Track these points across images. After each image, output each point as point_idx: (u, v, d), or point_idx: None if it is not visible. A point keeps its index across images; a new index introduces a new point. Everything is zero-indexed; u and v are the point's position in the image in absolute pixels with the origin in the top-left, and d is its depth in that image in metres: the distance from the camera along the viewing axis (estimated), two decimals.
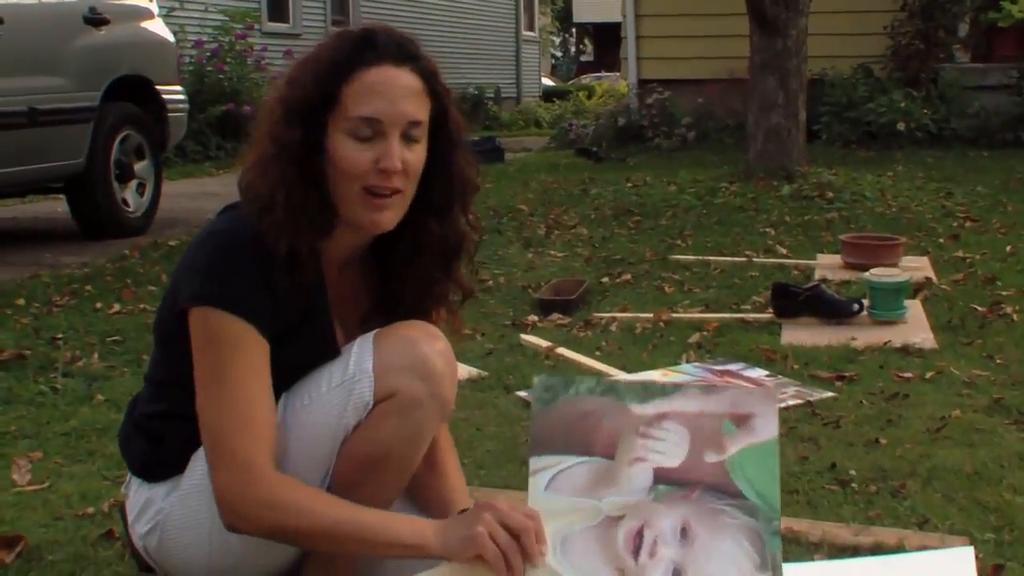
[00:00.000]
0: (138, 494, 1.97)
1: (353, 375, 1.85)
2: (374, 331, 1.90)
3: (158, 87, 7.26)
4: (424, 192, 1.89)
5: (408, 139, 1.84)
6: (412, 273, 1.96)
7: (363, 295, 1.99)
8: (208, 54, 12.29)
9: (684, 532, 1.71)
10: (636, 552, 1.71)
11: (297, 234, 1.80)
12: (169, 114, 7.39)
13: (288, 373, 1.88)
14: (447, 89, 1.91)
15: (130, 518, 1.99)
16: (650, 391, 1.76)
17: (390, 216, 1.85)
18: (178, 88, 7.70)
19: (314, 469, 1.84)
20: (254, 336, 1.78)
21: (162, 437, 1.93)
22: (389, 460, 1.86)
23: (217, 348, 1.77)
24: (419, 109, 1.85)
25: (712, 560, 1.71)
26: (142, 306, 4.77)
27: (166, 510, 1.91)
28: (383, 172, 1.81)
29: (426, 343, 1.87)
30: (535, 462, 1.74)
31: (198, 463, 1.87)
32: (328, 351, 1.90)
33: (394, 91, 1.82)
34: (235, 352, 1.77)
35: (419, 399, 1.84)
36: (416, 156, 1.85)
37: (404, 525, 1.75)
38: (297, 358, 1.87)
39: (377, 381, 1.84)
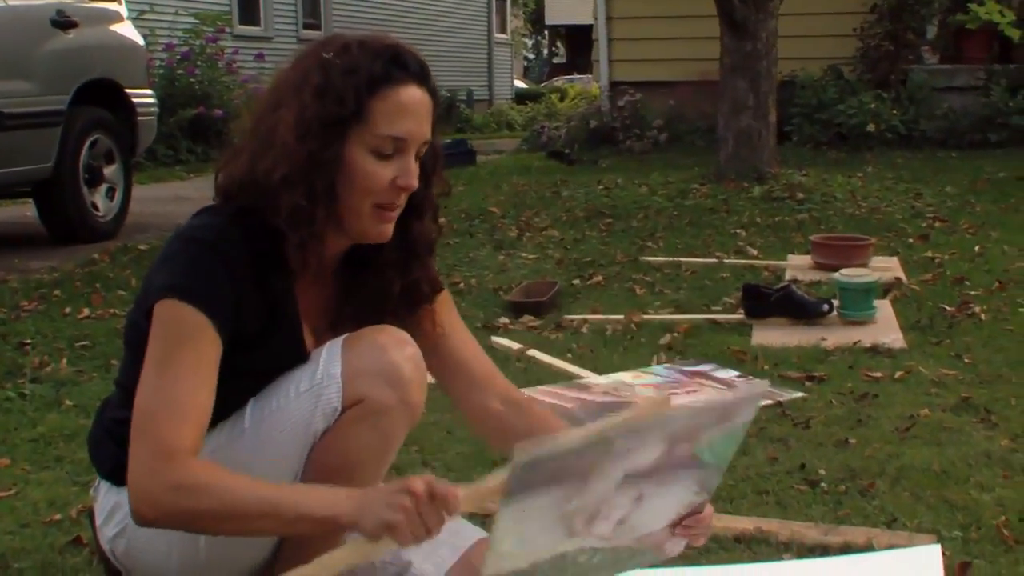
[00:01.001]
0: (107, 497, 1.95)
1: (321, 380, 1.84)
2: (343, 336, 1.90)
3: (128, 91, 7.22)
4: (411, 197, 1.90)
5: (417, 156, 1.86)
6: (401, 270, 1.96)
7: (333, 301, 1.98)
8: (178, 57, 12.24)
9: (639, 500, 1.68)
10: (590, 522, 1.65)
11: (314, 231, 1.81)
12: (139, 118, 7.34)
13: (256, 378, 1.87)
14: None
15: (99, 521, 1.98)
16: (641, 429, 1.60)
17: (391, 228, 1.87)
18: (148, 92, 7.66)
19: (282, 475, 1.83)
20: (209, 331, 1.76)
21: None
22: (357, 467, 1.85)
23: (169, 336, 1.75)
24: (428, 125, 1.87)
25: (657, 504, 1.71)
26: (112, 311, 4.74)
27: None
28: (399, 189, 1.83)
29: (395, 349, 1.86)
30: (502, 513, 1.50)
31: None
32: (296, 356, 1.89)
33: (420, 112, 1.83)
34: (186, 342, 1.75)
35: (387, 406, 1.83)
36: (418, 171, 1.87)
37: (316, 498, 1.69)
38: (265, 363, 1.87)
39: (345, 387, 1.83)
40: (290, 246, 1.81)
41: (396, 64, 1.81)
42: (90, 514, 2.05)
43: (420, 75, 1.84)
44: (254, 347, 1.83)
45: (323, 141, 1.78)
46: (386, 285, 1.96)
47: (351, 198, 1.82)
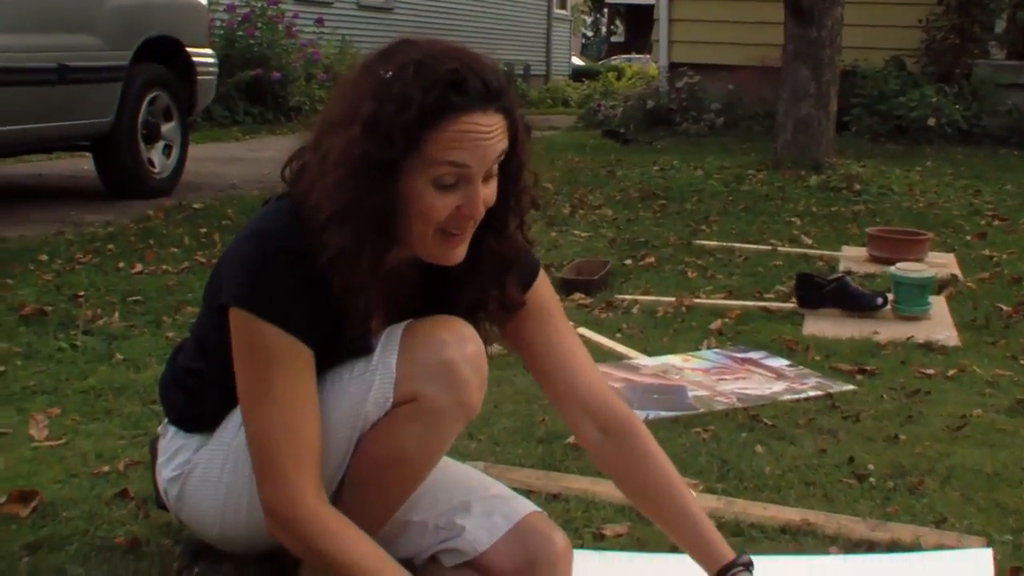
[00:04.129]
0: (172, 440, 1.97)
1: (375, 367, 1.79)
2: (405, 323, 1.83)
3: (188, 49, 7.25)
4: (488, 211, 1.78)
5: (487, 176, 1.73)
6: (467, 285, 1.88)
7: (411, 287, 1.90)
8: (239, 19, 12.27)
9: None
10: None
11: (359, 276, 1.73)
12: (198, 77, 7.37)
13: (319, 369, 1.81)
14: (521, 115, 1.78)
15: (160, 459, 1.99)
16: None
17: (464, 249, 1.78)
18: (208, 51, 7.68)
19: (331, 455, 1.81)
20: (297, 347, 1.72)
21: (200, 395, 1.92)
22: (405, 463, 1.83)
23: (260, 360, 1.72)
24: (501, 144, 1.72)
25: None
26: (164, 267, 4.77)
27: (193, 462, 1.91)
28: (464, 217, 1.73)
29: (455, 347, 1.80)
30: None
31: (231, 423, 1.86)
32: (362, 352, 1.83)
33: (481, 138, 1.68)
34: (279, 367, 1.71)
35: (442, 407, 1.79)
36: (492, 190, 1.76)
37: None
38: (329, 358, 1.81)
39: (399, 381, 1.78)
40: (334, 287, 1.72)
41: (455, 90, 1.65)
42: (152, 445, 2.06)
43: (484, 97, 1.68)
44: (323, 353, 1.78)
45: (371, 183, 1.67)
46: (453, 295, 1.88)
47: (414, 226, 1.72)
